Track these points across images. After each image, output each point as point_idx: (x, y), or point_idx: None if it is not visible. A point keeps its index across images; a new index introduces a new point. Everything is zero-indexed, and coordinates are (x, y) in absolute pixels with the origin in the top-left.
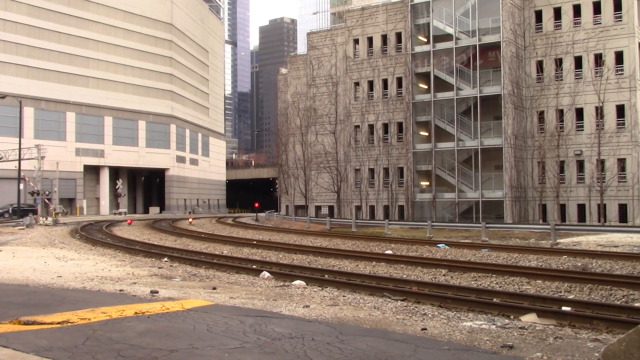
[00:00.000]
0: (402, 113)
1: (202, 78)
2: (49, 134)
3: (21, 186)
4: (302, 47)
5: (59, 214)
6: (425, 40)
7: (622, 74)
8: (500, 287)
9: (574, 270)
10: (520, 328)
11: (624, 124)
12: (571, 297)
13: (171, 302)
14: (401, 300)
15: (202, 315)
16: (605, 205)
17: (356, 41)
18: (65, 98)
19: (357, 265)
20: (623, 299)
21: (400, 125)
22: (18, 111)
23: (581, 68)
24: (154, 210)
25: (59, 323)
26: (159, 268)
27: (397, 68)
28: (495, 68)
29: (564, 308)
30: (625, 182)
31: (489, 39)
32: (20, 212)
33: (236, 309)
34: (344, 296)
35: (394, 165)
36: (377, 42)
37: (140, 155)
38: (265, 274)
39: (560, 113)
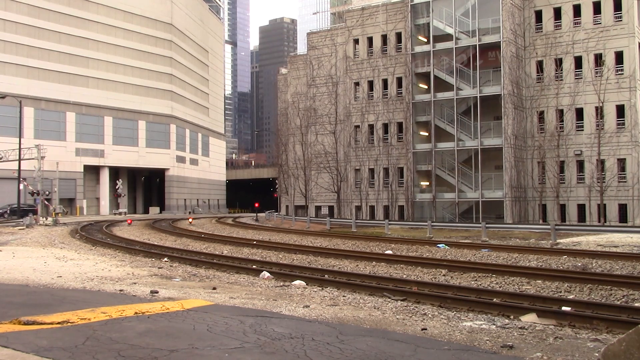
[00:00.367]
0: (402, 113)
1: (202, 78)
2: (49, 134)
3: (21, 186)
4: (302, 47)
5: (59, 214)
6: (425, 40)
7: (622, 74)
8: (500, 287)
9: (574, 270)
10: (520, 328)
11: (624, 124)
12: (571, 297)
13: (171, 302)
14: (401, 300)
15: (202, 315)
16: (605, 205)
17: (356, 41)
18: (65, 98)
19: (357, 265)
20: (623, 299)
21: (400, 125)
22: (18, 111)
23: (581, 68)
24: (154, 211)
25: (59, 323)
26: (159, 268)
27: (397, 68)
28: (495, 68)
29: (564, 308)
30: (625, 182)
31: (489, 39)
32: (20, 212)
33: (236, 309)
34: (344, 296)
35: (394, 165)
36: (377, 42)
37: (140, 155)
38: (265, 274)
39: (560, 113)
